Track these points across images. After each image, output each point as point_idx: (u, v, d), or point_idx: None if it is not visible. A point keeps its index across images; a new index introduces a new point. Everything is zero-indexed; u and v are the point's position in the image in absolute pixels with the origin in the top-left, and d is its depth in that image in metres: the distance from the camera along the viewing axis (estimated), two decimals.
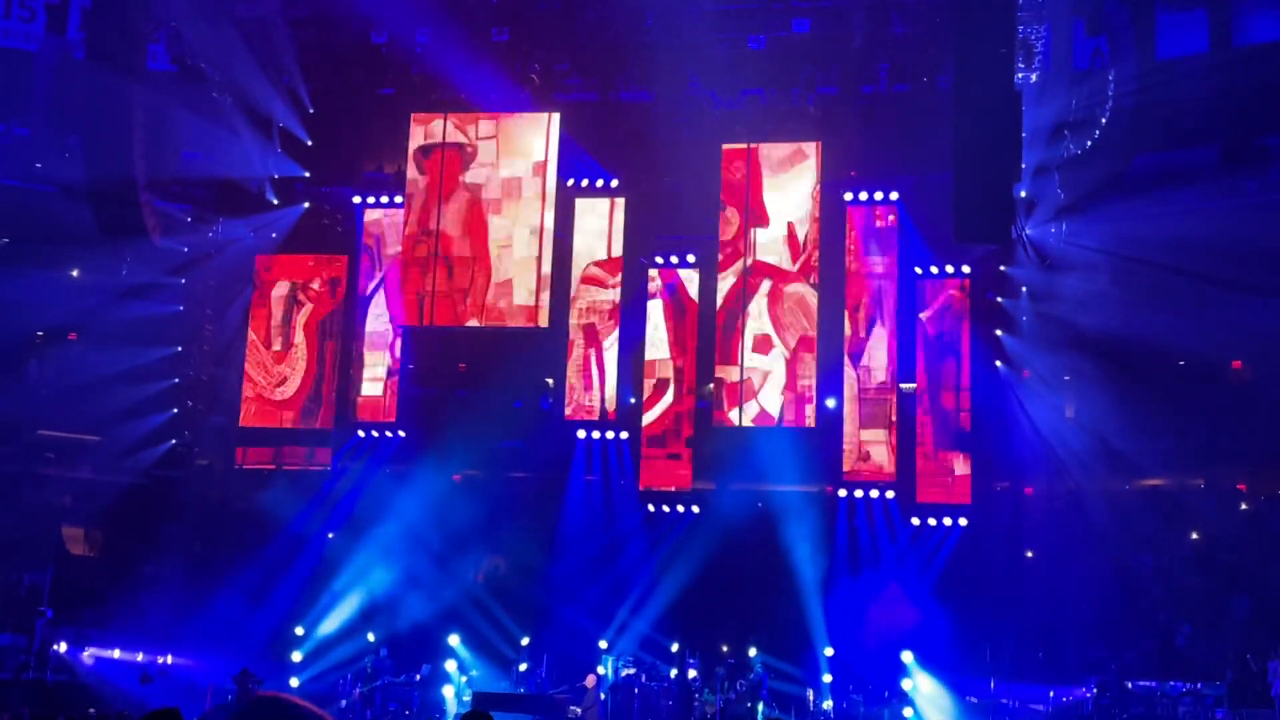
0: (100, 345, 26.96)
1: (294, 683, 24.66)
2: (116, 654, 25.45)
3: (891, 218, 25.25)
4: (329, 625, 25.98)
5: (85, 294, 27.47)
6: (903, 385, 25.01)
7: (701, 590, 25.17)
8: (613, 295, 25.84)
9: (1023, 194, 24.05)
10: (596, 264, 25.92)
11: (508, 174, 25.78)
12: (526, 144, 25.78)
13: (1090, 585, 24.24)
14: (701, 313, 25.71)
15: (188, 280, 27.89)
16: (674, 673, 24.33)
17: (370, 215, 27.02)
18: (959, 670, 23.57)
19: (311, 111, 27.13)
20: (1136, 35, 24.15)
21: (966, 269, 25.16)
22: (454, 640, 25.41)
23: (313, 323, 27.05)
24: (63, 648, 24.82)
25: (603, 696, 23.60)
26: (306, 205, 27.83)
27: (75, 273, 28.17)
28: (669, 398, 25.63)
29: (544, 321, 25.39)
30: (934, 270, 25.27)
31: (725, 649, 24.51)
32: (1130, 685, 22.91)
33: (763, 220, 25.09)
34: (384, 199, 26.95)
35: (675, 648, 25.01)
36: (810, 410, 24.56)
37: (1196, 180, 24.03)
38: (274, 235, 27.77)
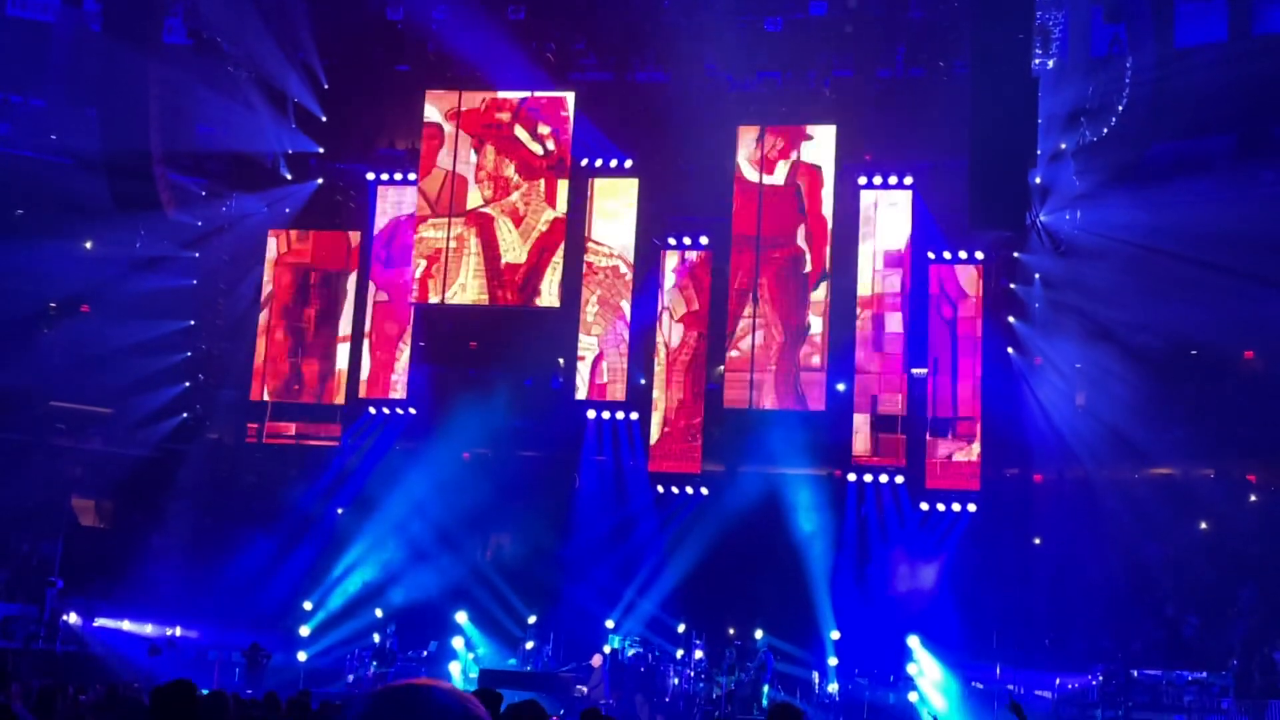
0: (113, 317, 27.01)
1: (302, 657, 24.75)
2: (126, 625, 25.54)
3: (905, 202, 25.20)
4: (337, 600, 26.04)
5: (99, 266, 27.51)
6: (914, 370, 24.98)
7: (709, 572, 25.18)
8: (625, 276, 25.82)
9: (1037, 180, 24.00)
10: (609, 244, 25.90)
11: (522, 153, 25.75)
12: (542, 123, 25.76)
13: (1098, 573, 24.22)
14: (713, 295, 25.69)
15: (201, 254, 27.94)
16: (680, 653, 24.37)
17: (384, 192, 27.01)
18: (965, 655, 23.57)
19: (326, 87, 27.15)
20: (1155, 23, 24.04)
21: (980, 255, 25.10)
22: (461, 617, 25.46)
23: (324, 298, 27.07)
24: (73, 618, 24.91)
25: (609, 675, 23.65)
26: (320, 181, 27.84)
27: (89, 244, 28.21)
28: (680, 379, 25.63)
29: (555, 301, 25.40)
30: (947, 255, 25.21)
31: (732, 631, 24.53)
32: (1136, 674, 22.88)
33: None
34: (398, 176, 26.95)
35: (682, 629, 25.05)
36: (821, 394, 24.55)
37: (1213, 169, 23.94)
38: (287, 210, 27.80)
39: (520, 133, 25.87)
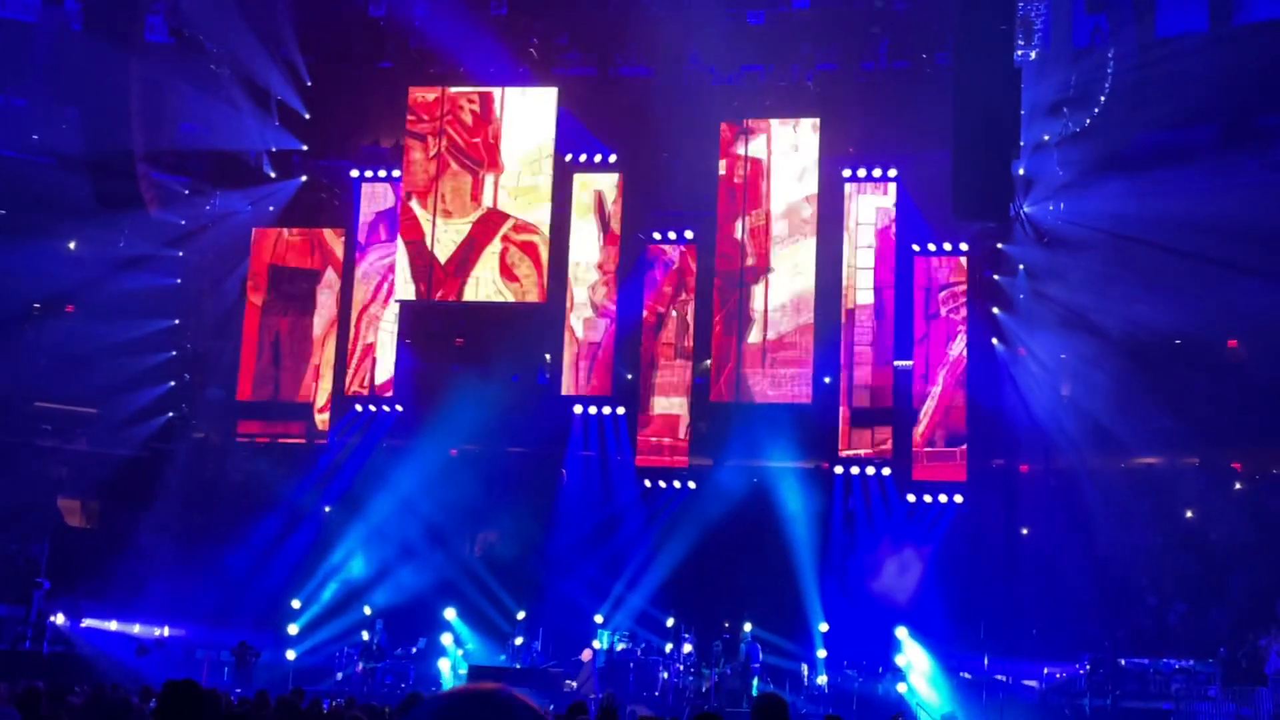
0: (97, 317, 26.92)
1: (291, 655, 24.72)
2: (113, 625, 25.48)
3: (890, 194, 25.24)
4: (326, 598, 26.02)
5: (82, 266, 27.42)
6: (899, 362, 25.03)
7: (697, 566, 25.22)
8: (610, 270, 25.82)
9: (1021, 171, 24.05)
10: (594, 238, 25.90)
11: (507, 149, 25.74)
12: (526, 119, 25.74)
13: (1084, 563, 24.30)
14: (698, 289, 25.70)
15: (185, 253, 27.86)
16: (669, 647, 24.39)
17: (368, 188, 26.97)
18: (953, 646, 23.64)
19: (309, 85, 27.09)
20: (1137, 13, 24.10)
21: (965, 246, 25.15)
22: (450, 614, 25.46)
23: (309, 295, 27.01)
24: (60, 619, 24.84)
25: (598, 670, 23.68)
26: (304, 178, 27.79)
27: (72, 244, 28.11)
28: (666, 374, 25.64)
29: (542, 297, 25.39)
30: (932, 247, 25.25)
31: (726, 625, 24.56)
32: (1123, 662, 22.97)
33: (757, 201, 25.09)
34: (382, 173, 26.91)
35: (671, 623, 25.07)
36: (807, 387, 24.58)
37: (1196, 159, 23.98)
38: (271, 208, 27.73)
39: (504, 129, 25.84)
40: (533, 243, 25.63)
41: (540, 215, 25.66)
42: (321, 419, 26.89)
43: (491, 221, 25.78)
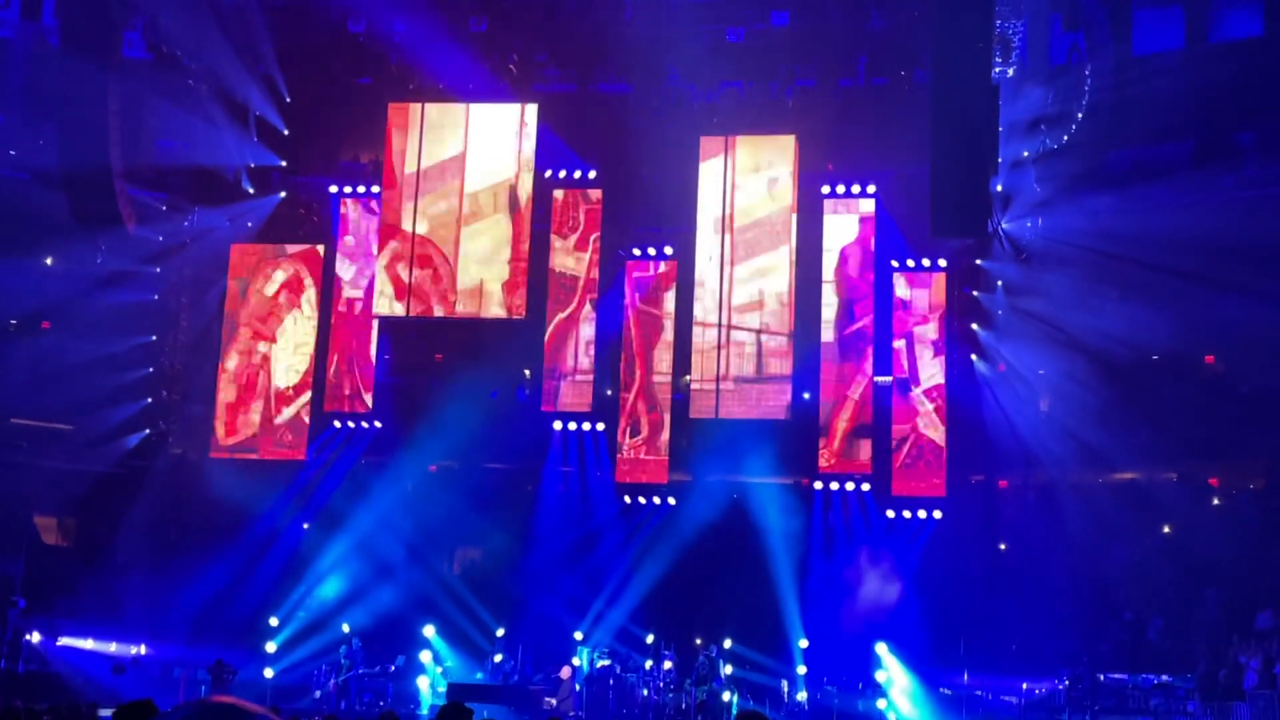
0: (74, 333, 26.79)
1: (268, 673, 24.58)
2: (89, 644, 25.32)
3: (868, 210, 25.30)
4: (303, 616, 25.90)
5: (59, 282, 27.28)
6: (878, 378, 25.07)
7: (677, 582, 25.20)
8: (589, 286, 25.80)
9: (999, 188, 24.12)
10: (574, 255, 25.90)
11: (486, 164, 25.72)
12: (505, 135, 25.74)
13: (1063, 578, 24.37)
14: (678, 305, 25.70)
15: (163, 269, 27.75)
16: (649, 664, 24.34)
17: (347, 205, 26.93)
18: (933, 662, 23.65)
19: (288, 100, 27.05)
20: (1113, 31, 24.23)
21: (943, 262, 25.22)
22: (429, 631, 25.38)
23: (288, 311, 26.91)
24: (35, 637, 24.68)
25: (578, 688, 23.62)
26: (283, 194, 27.72)
27: (49, 260, 27.96)
28: (645, 390, 25.62)
29: (520, 312, 25.37)
30: (910, 263, 25.32)
31: (699, 641, 24.53)
32: (1102, 677, 23.02)
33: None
34: (361, 189, 26.87)
35: (650, 639, 25.03)
36: (786, 403, 24.59)
37: (1171, 175, 24.12)
38: (250, 224, 27.65)
39: (484, 144, 25.81)
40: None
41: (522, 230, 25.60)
42: (300, 435, 26.74)
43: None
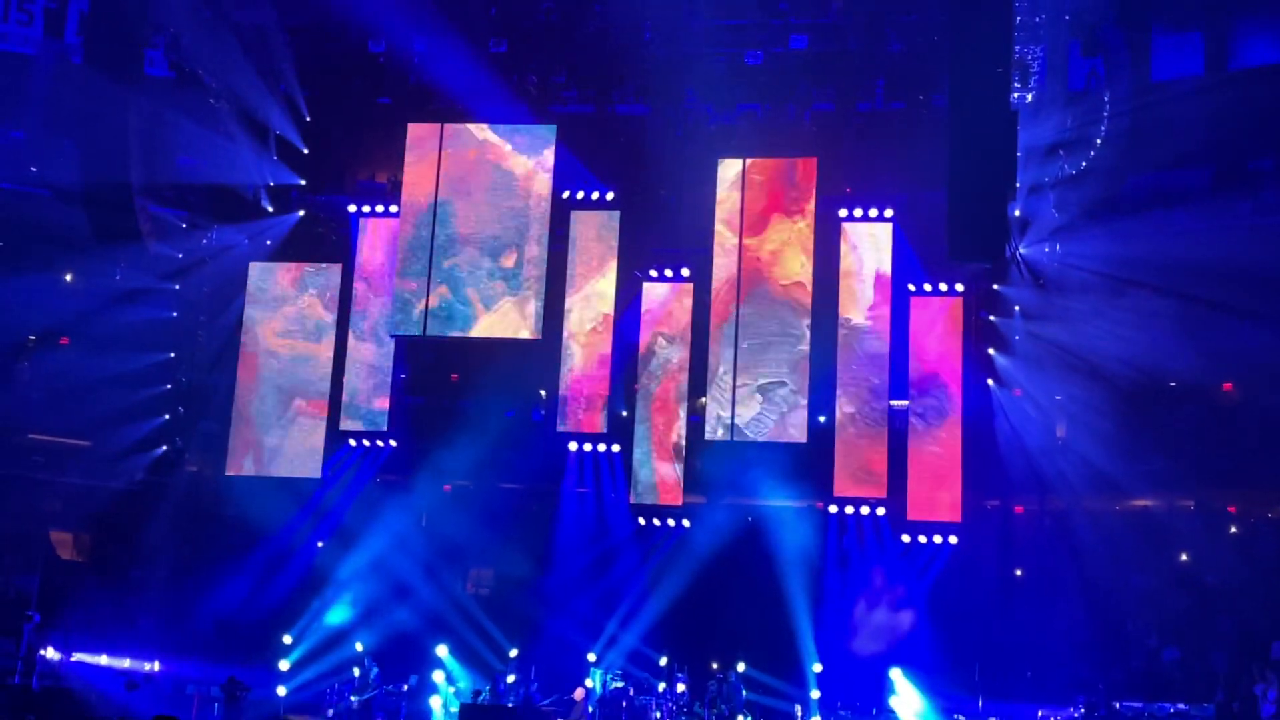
0: (92, 350, 26.90)
1: (281, 691, 24.60)
2: (104, 660, 25.36)
3: (885, 234, 25.28)
4: (317, 634, 25.91)
5: (78, 298, 27.41)
6: (894, 402, 25.01)
7: (691, 604, 25.16)
8: (606, 307, 25.81)
9: (1017, 213, 24.10)
10: (590, 276, 25.91)
11: (504, 184, 25.77)
12: (523, 155, 25.80)
13: (1079, 605, 24.27)
14: (694, 327, 25.69)
15: (181, 286, 27.82)
16: (663, 687, 24.30)
17: (365, 224, 26.99)
18: (947, 688, 23.57)
19: (308, 119, 27.18)
20: (1132, 57, 24.24)
21: (960, 287, 25.18)
22: (442, 651, 25.38)
23: (305, 330, 26.95)
24: (50, 653, 24.72)
25: (591, 710, 23.58)
26: (302, 213, 27.80)
27: (69, 277, 28.09)
28: (661, 411, 25.59)
29: (537, 333, 25.39)
30: (927, 288, 25.28)
31: (716, 666, 24.47)
32: (1118, 705, 22.90)
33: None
34: (379, 208, 26.95)
35: (664, 661, 24.99)
36: (802, 426, 24.54)
37: (1189, 202, 24.10)
38: (269, 243, 27.73)
39: (501, 164, 25.89)
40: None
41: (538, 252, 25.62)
42: (315, 454, 26.75)
43: None
